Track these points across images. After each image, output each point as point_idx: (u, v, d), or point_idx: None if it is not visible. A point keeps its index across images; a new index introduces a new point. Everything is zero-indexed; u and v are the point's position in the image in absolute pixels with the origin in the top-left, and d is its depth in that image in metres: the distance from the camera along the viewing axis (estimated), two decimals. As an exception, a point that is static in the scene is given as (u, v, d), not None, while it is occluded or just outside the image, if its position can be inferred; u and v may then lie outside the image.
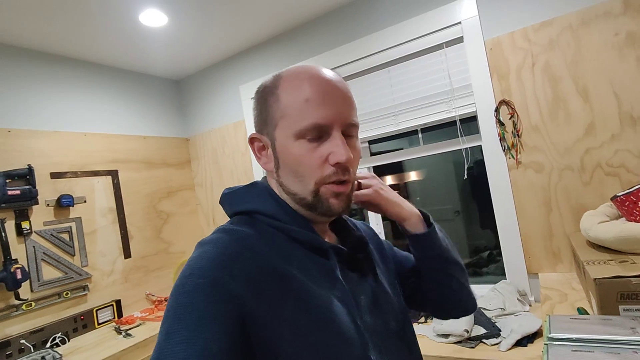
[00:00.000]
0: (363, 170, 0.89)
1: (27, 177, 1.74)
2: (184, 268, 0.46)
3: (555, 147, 1.47)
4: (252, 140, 0.58)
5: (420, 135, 1.85)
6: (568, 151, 1.44)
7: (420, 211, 0.70)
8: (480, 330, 1.30)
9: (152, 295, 2.18)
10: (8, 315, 1.62)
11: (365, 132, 1.93)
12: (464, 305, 0.73)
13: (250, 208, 0.56)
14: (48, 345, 1.67)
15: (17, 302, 1.64)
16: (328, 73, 0.54)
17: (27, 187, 1.72)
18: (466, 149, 1.67)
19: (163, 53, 2.18)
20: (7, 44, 1.79)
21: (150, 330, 1.76)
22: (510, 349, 1.18)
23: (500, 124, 1.55)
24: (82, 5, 1.58)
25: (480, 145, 1.64)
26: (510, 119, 1.54)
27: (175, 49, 2.16)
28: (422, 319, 1.54)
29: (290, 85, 0.53)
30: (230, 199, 0.59)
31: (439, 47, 1.70)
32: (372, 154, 2.07)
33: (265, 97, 0.56)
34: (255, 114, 0.58)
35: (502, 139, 1.55)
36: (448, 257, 0.68)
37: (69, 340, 1.75)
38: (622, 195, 1.05)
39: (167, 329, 0.42)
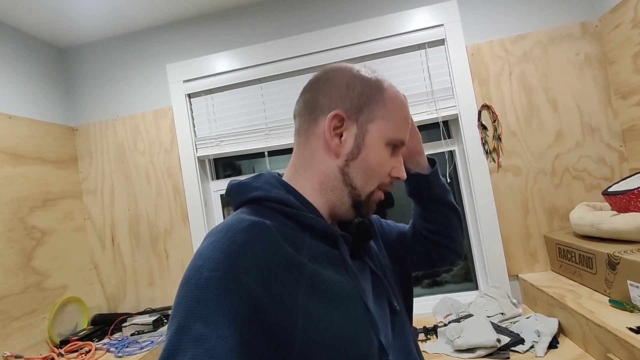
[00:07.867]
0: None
1: None
2: (194, 257, 0.46)
3: (531, 152, 1.55)
4: (335, 117, 0.56)
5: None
6: (541, 156, 1.55)
7: None
8: (504, 340, 1.21)
9: (16, 358, 1.41)
10: None
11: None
12: (460, 246, 0.81)
13: (260, 195, 0.56)
14: None
15: None
16: None
17: None
18: (449, 151, 1.63)
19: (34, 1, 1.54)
20: None
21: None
22: (546, 353, 1.12)
23: (483, 127, 1.58)
24: None
25: (454, 150, 1.64)
26: (493, 123, 1.58)
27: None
28: (422, 336, 1.38)
29: (394, 98, 0.59)
30: (239, 188, 0.59)
31: (420, 46, 1.66)
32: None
33: (371, 88, 0.57)
34: (350, 95, 0.57)
35: (484, 142, 1.57)
36: (449, 197, 0.79)
37: None
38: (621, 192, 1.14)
39: (179, 323, 0.41)
